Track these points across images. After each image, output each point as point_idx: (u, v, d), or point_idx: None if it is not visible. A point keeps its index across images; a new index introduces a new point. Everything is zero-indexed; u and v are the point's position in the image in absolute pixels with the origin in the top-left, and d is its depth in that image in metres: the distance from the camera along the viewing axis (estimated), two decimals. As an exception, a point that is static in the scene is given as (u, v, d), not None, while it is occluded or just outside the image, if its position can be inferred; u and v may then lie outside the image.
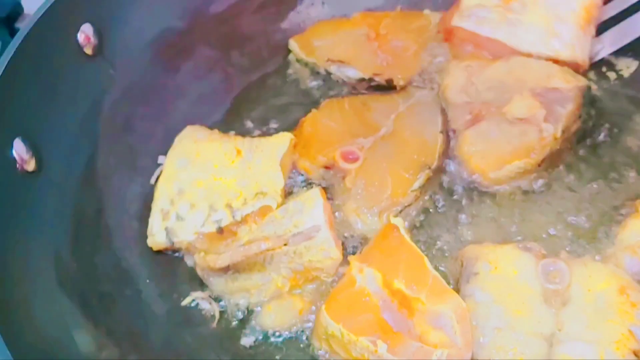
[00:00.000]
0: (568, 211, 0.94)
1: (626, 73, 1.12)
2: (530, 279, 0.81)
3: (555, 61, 1.04)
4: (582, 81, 1.01)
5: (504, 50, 1.07)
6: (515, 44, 1.06)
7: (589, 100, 1.05)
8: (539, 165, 0.96)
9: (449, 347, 0.75)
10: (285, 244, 0.84)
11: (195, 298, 0.90)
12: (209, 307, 0.89)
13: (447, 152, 0.99)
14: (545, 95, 0.98)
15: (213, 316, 0.90)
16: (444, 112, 1.03)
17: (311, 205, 0.89)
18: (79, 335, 0.78)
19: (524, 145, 0.94)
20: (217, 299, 0.92)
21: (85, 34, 0.97)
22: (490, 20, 1.08)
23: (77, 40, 0.96)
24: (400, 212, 0.94)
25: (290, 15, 1.24)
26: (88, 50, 0.98)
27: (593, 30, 1.08)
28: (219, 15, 1.15)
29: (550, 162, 0.97)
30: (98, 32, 0.98)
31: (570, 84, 0.99)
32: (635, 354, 0.74)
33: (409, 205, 0.95)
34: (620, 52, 1.12)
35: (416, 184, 0.95)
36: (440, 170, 0.99)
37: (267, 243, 0.84)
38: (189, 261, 0.96)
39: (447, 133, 1.00)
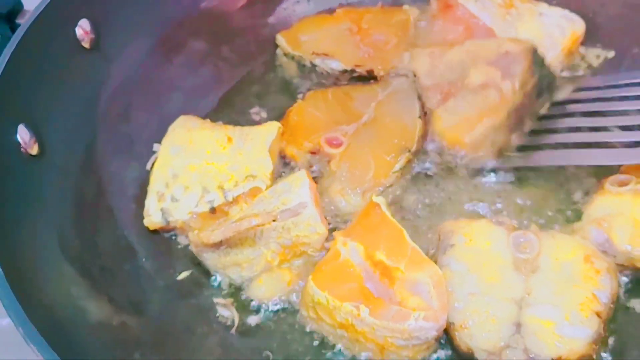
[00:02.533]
0: (537, 189, 1.00)
1: (595, 63, 1.19)
2: (502, 250, 0.88)
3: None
4: (529, 43, 1.09)
5: None
6: None
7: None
8: (508, 120, 1.03)
9: (426, 310, 0.81)
10: (274, 220, 0.89)
11: (217, 304, 0.94)
12: (228, 314, 0.93)
13: (425, 135, 1.05)
14: (498, 61, 1.07)
15: (225, 318, 0.94)
16: (421, 99, 1.09)
17: (298, 185, 0.94)
18: (83, 302, 0.83)
19: (488, 105, 1.02)
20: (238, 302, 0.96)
21: (83, 29, 1.03)
22: (492, 13, 1.17)
23: (75, 35, 1.01)
24: (382, 192, 1.00)
25: (277, 11, 1.31)
26: (86, 44, 1.03)
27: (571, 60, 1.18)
28: (209, 11, 1.21)
29: (517, 116, 1.04)
30: (95, 27, 1.04)
31: (518, 46, 1.07)
32: (598, 314, 0.80)
33: (390, 185, 1.01)
34: (590, 44, 1.19)
35: (397, 166, 1.01)
36: (419, 152, 1.05)
37: (257, 219, 0.89)
38: (182, 240, 1.02)
39: (425, 117, 1.07)
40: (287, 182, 0.97)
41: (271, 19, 1.30)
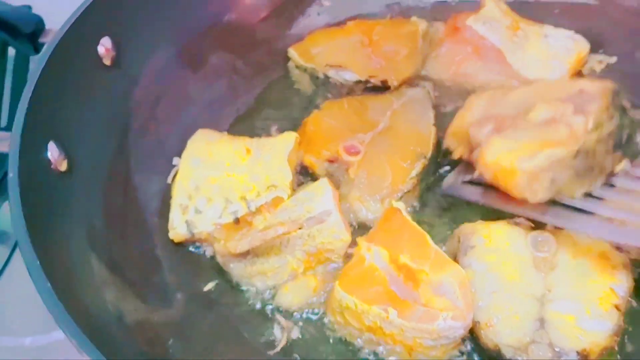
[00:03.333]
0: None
1: (598, 68, 1.23)
2: (521, 249, 0.91)
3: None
4: (609, 83, 0.94)
5: (499, 62, 1.19)
6: (513, 61, 1.19)
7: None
8: (575, 161, 0.87)
9: (452, 310, 0.83)
10: (299, 228, 0.92)
11: (277, 320, 0.95)
12: (279, 335, 0.94)
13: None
14: (571, 98, 0.91)
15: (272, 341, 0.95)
16: (435, 108, 1.13)
17: (321, 193, 0.97)
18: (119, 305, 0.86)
19: (554, 138, 0.86)
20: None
21: (105, 46, 1.06)
22: (500, 34, 1.21)
23: (97, 52, 1.04)
24: (401, 198, 1.03)
25: (293, 25, 1.34)
26: (107, 62, 1.06)
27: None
28: (227, 25, 1.25)
29: (586, 162, 0.89)
30: (116, 45, 1.07)
31: (596, 85, 0.93)
32: (616, 307, 0.84)
33: (408, 191, 1.04)
34: (593, 50, 1.23)
35: (413, 172, 1.05)
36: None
37: (283, 227, 0.92)
38: (208, 252, 1.04)
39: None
40: (309, 190, 1.00)
41: (284, 34, 1.33)
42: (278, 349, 0.93)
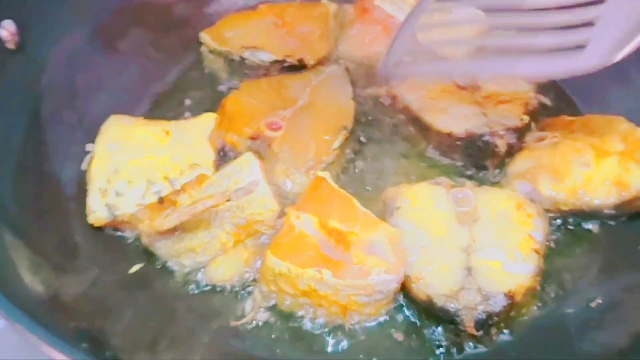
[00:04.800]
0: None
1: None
2: (444, 206, 0.94)
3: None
4: None
5: None
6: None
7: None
8: None
9: (385, 265, 0.85)
10: (227, 200, 0.91)
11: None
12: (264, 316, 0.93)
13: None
14: None
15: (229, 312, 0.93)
16: (353, 83, 1.15)
17: (247, 165, 0.97)
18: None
19: None
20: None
21: (8, 30, 1.01)
22: (407, 12, 1.21)
23: (-1, 36, 0.99)
24: (325, 169, 1.04)
25: (200, 11, 1.33)
26: (10, 45, 1.01)
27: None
28: (140, 6, 1.22)
29: None
30: (21, 28, 1.02)
31: None
32: (536, 251, 0.89)
33: (331, 162, 1.05)
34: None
35: (336, 144, 1.06)
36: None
37: (211, 200, 0.91)
38: (130, 235, 1.01)
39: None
40: (235, 164, 0.99)
41: (194, 19, 1.31)
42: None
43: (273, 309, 0.93)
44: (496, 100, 1.06)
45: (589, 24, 0.83)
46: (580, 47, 0.82)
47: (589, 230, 0.98)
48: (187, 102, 1.23)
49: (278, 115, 1.11)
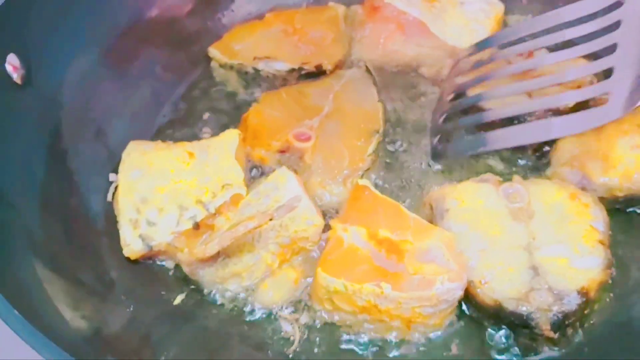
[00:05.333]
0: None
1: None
2: (495, 204, 0.90)
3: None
4: None
5: (423, 34, 1.20)
6: (437, 31, 1.20)
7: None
8: None
9: (446, 273, 0.81)
10: (270, 219, 0.87)
11: (279, 317, 0.89)
12: (290, 329, 0.88)
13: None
14: None
15: (286, 339, 0.88)
16: (376, 84, 1.11)
17: (284, 180, 0.93)
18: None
19: None
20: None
21: (12, 65, 0.96)
22: (419, 7, 1.21)
23: (5, 71, 0.94)
24: (362, 176, 1.00)
25: (206, 26, 1.29)
26: (17, 80, 0.96)
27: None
28: (141, 30, 1.17)
29: None
30: (26, 62, 0.97)
31: None
32: (601, 242, 0.85)
33: (367, 168, 1.01)
34: (508, 11, 1.27)
35: (370, 149, 1.02)
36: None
37: (252, 222, 0.86)
38: (169, 264, 0.97)
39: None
40: (270, 181, 0.95)
41: (201, 34, 1.27)
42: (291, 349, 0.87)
43: (324, 328, 0.88)
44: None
45: (607, 76, 0.86)
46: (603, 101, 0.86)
47: (646, 214, 0.94)
48: (204, 119, 1.19)
49: (305, 125, 1.07)
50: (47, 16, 1.01)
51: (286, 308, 0.90)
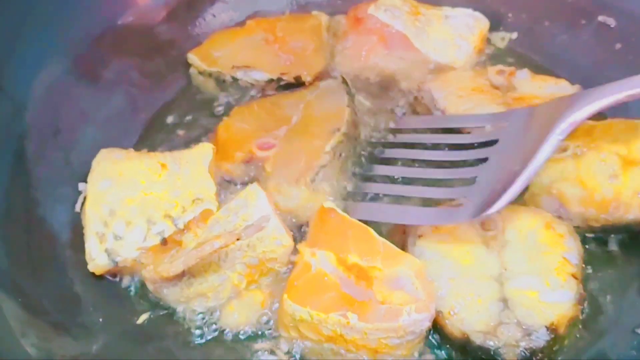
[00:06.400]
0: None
1: (501, 45, 1.25)
2: (469, 231, 0.88)
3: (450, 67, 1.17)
4: None
5: (406, 48, 1.18)
6: (420, 45, 1.18)
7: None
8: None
9: (413, 303, 0.79)
10: (237, 239, 0.85)
11: (259, 349, 0.87)
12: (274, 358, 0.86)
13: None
14: None
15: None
16: (349, 93, 1.09)
17: (254, 198, 0.90)
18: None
19: None
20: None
21: (-19, 70, 0.93)
22: (402, 20, 1.19)
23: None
24: (317, 173, 0.97)
25: (185, 31, 1.26)
26: (-15, 85, 0.93)
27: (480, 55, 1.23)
28: (122, 31, 1.14)
29: None
30: (-5, 66, 0.94)
31: None
32: (573, 276, 0.83)
33: (323, 165, 0.98)
34: (493, 28, 1.25)
35: (328, 146, 0.99)
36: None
37: (219, 241, 0.84)
38: (135, 281, 0.94)
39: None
40: (241, 198, 0.92)
41: (182, 38, 1.24)
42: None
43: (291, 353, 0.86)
44: (527, 104, 1.01)
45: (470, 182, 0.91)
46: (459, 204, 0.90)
47: (620, 245, 0.92)
48: (180, 128, 1.16)
49: (271, 135, 1.04)
50: (15, 21, 0.99)
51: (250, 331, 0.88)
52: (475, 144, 0.99)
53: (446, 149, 1.04)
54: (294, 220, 0.98)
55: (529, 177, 0.82)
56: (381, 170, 1.03)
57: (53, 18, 1.04)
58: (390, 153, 1.06)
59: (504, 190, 0.82)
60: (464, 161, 0.98)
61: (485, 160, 0.93)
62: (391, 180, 1.03)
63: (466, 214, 0.85)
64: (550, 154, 0.82)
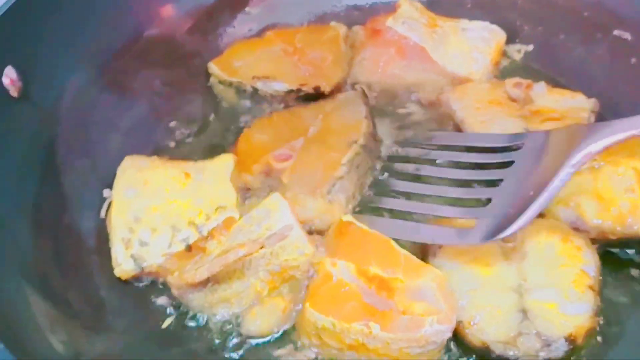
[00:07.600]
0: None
1: (517, 57, 1.27)
2: (489, 243, 0.90)
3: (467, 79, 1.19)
4: None
5: (423, 60, 1.20)
6: (437, 57, 1.19)
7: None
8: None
9: (435, 314, 0.81)
10: (261, 247, 0.87)
11: (280, 356, 0.89)
12: None
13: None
14: None
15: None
16: (367, 104, 1.11)
17: (277, 208, 0.92)
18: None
19: None
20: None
21: (9, 77, 0.95)
22: (420, 32, 1.21)
23: (1, 84, 0.94)
24: (334, 185, 0.99)
25: (206, 41, 1.28)
26: (14, 93, 0.96)
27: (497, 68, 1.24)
28: (147, 43, 1.16)
29: None
30: (23, 75, 0.96)
31: None
32: (591, 288, 0.85)
33: (340, 177, 1.00)
34: (509, 41, 1.26)
35: (345, 158, 1.01)
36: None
37: (243, 249, 0.86)
38: (160, 286, 0.96)
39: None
40: (263, 207, 0.94)
41: (201, 50, 1.26)
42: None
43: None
44: (544, 117, 1.03)
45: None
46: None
47: (637, 257, 0.94)
48: (202, 138, 1.18)
49: (288, 146, 1.06)
50: (45, 30, 1.01)
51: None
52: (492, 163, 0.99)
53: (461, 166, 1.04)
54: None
55: (543, 205, 0.83)
56: (398, 185, 1.04)
57: (81, 29, 1.05)
58: (405, 168, 1.06)
59: (517, 214, 0.84)
60: (479, 181, 0.99)
61: (500, 181, 0.94)
62: (406, 196, 1.03)
63: (478, 236, 0.86)
64: (564, 183, 0.83)
